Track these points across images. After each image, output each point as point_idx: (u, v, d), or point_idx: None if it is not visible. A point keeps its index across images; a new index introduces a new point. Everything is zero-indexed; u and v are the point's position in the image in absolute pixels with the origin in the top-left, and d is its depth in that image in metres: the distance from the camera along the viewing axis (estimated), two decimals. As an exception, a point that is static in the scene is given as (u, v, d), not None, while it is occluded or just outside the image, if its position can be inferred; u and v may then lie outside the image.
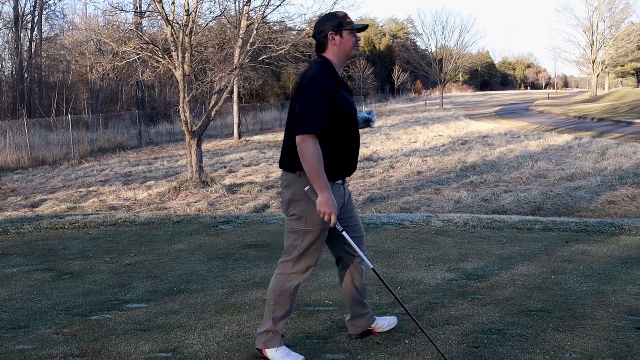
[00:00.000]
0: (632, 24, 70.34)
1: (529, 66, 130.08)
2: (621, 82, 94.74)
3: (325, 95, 3.36)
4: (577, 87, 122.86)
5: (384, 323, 3.96)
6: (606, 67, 75.14)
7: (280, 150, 3.62)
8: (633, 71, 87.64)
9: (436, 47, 65.28)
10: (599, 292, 4.66)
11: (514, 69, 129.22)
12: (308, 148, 3.28)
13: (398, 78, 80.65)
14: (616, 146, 19.08)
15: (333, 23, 3.55)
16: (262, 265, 5.82)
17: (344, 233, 3.52)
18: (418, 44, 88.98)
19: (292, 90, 3.67)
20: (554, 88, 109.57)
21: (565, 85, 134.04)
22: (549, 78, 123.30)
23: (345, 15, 3.59)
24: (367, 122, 3.95)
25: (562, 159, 17.23)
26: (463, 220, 7.67)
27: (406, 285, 4.99)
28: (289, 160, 3.49)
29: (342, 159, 3.51)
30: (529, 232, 7.01)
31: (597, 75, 70.74)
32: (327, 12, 3.70)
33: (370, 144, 25.38)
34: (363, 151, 22.12)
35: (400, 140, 26.70)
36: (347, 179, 3.69)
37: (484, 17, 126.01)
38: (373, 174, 16.77)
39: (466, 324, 4.07)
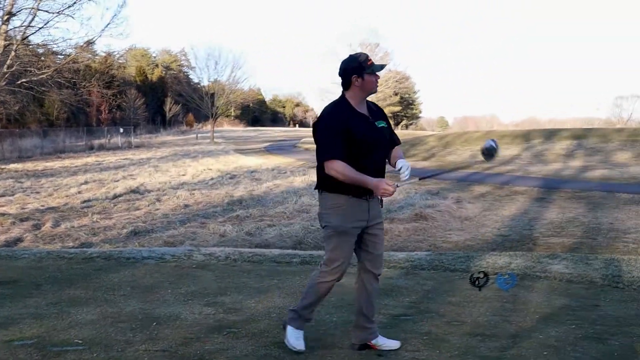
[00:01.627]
0: (389, 71, 76.31)
1: (298, 105, 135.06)
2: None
3: (333, 129, 3.94)
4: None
5: (385, 343, 4.28)
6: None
7: None
8: (391, 114, 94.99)
9: (209, 81, 65.86)
10: (347, 322, 4.90)
11: (284, 107, 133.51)
12: (334, 167, 3.91)
13: (170, 110, 79.98)
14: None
15: (355, 67, 4.03)
16: (7, 304, 5.37)
17: (397, 185, 3.96)
18: (191, 77, 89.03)
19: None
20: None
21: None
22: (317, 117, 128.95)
23: (366, 59, 4.05)
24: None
25: (324, 195, 18.06)
26: (225, 254, 7.73)
27: (163, 321, 4.89)
28: (317, 181, 4.14)
29: None
30: (287, 266, 7.23)
31: (359, 117, 75.53)
32: (351, 55, 4.15)
33: (137, 176, 24.81)
34: (129, 183, 21.54)
35: (169, 172, 26.42)
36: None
37: (256, 55, 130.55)
38: (139, 206, 16.38)
39: (220, 357, 4.08)
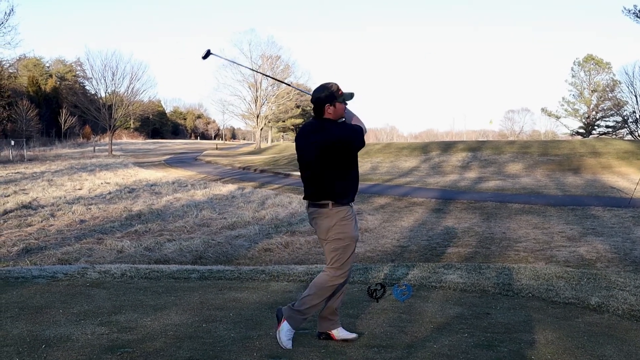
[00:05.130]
0: (291, 84, 76.85)
1: (199, 117, 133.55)
2: (282, 136, 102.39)
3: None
4: (244, 139, 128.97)
5: (342, 334, 4.73)
6: (269, 122, 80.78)
7: (306, 188, 4.67)
8: (292, 127, 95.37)
9: (106, 93, 63.97)
10: (245, 337, 4.87)
11: (185, 119, 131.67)
12: None
13: (65, 122, 77.48)
14: (274, 196, 20.46)
15: (327, 95, 4.48)
16: None
17: None
18: (87, 88, 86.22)
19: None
20: (222, 139, 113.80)
21: (233, 137, 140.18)
22: (218, 129, 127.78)
23: (337, 89, 4.50)
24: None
25: (225, 208, 17.94)
26: (121, 271, 7.52)
27: (53, 342, 4.69)
28: (320, 196, 4.53)
29: None
30: (185, 282, 7.12)
31: (261, 129, 75.62)
32: (322, 84, 4.58)
33: (30, 190, 23.82)
34: (21, 198, 20.67)
35: (64, 187, 25.52)
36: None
37: (156, 65, 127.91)
38: (31, 222, 15.74)
39: (112, 380, 3.96)
